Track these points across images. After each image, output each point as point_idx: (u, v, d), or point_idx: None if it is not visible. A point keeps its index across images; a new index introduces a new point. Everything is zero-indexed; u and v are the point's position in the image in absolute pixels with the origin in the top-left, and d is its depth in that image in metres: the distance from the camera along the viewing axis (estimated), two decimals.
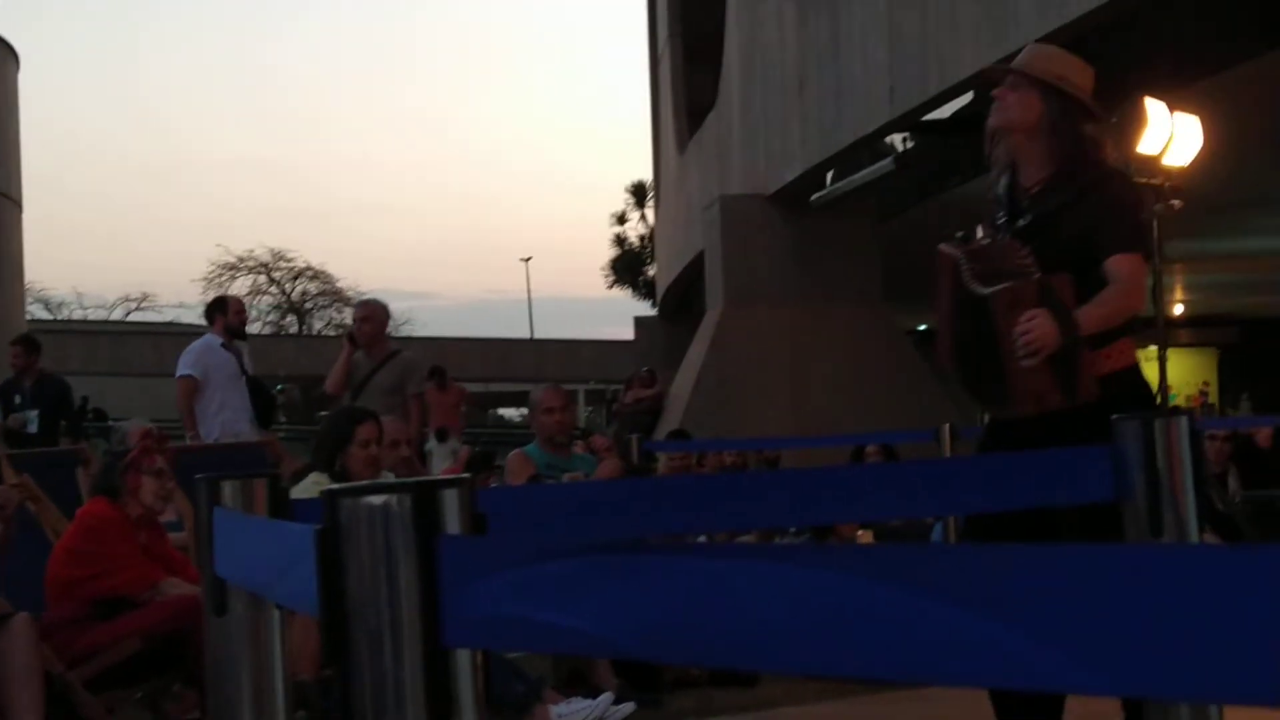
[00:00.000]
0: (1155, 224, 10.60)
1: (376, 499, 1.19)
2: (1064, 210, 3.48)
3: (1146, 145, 10.35)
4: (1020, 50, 3.76)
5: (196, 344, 8.88)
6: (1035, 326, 3.26)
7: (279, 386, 15.77)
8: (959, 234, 3.64)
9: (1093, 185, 3.48)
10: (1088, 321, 3.32)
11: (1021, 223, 3.55)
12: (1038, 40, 9.09)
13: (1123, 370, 3.46)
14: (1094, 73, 3.61)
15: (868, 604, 0.90)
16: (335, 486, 1.22)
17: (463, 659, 1.20)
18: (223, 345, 8.71)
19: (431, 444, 13.71)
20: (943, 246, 3.56)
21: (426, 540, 1.17)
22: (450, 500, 1.20)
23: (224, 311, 8.88)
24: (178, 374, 8.75)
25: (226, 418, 8.63)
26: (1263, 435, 9.29)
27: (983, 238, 3.64)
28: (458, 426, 14.57)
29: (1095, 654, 0.88)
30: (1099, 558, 0.89)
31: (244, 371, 8.77)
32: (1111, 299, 3.39)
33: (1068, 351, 3.28)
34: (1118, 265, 3.40)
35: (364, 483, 1.24)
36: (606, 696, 5.23)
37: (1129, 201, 3.57)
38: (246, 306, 9.37)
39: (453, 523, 1.20)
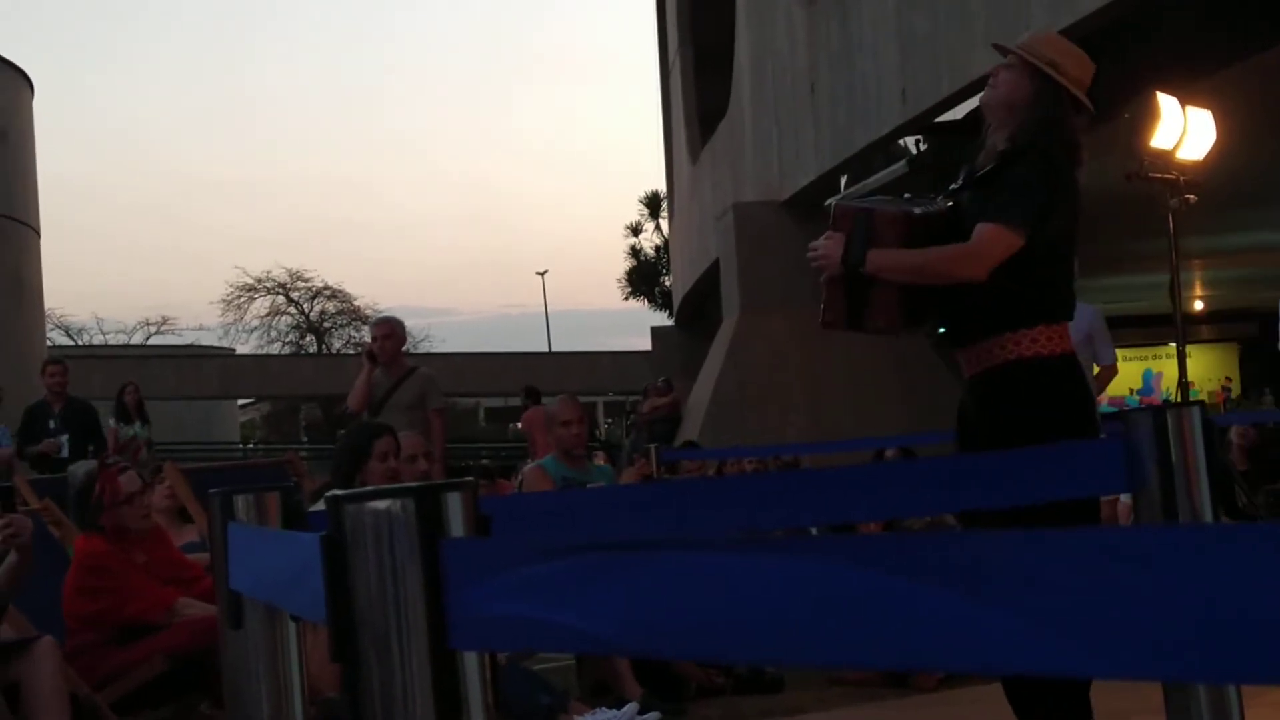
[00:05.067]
0: (1171, 219, 10.57)
1: (380, 504, 1.20)
2: (982, 180, 3.47)
3: (1160, 140, 10.33)
4: None
5: None
6: (824, 246, 3.51)
7: None
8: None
9: (1012, 159, 3.44)
10: (880, 262, 3.39)
11: (953, 186, 3.59)
12: None
13: (1031, 359, 3.35)
14: (1094, 68, 3.59)
15: (865, 593, 0.90)
16: (340, 492, 1.23)
17: (470, 661, 1.21)
18: None
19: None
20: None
21: (430, 543, 1.17)
22: (454, 504, 1.20)
23: None
24: None
25: None
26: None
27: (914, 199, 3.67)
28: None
29: (1099, 637, 0.88)
30: (1101, 540, 0.89)
31: None
32: (926, 254, 3.38)
33: (857, 282, 3.43)
34: (975, 232, 3.35)
35: (368, 488, 1.24)
36: (631, 706, 5.22)
37: (1029, 176, 3.37)
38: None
39: (456, 526, 1.21)
